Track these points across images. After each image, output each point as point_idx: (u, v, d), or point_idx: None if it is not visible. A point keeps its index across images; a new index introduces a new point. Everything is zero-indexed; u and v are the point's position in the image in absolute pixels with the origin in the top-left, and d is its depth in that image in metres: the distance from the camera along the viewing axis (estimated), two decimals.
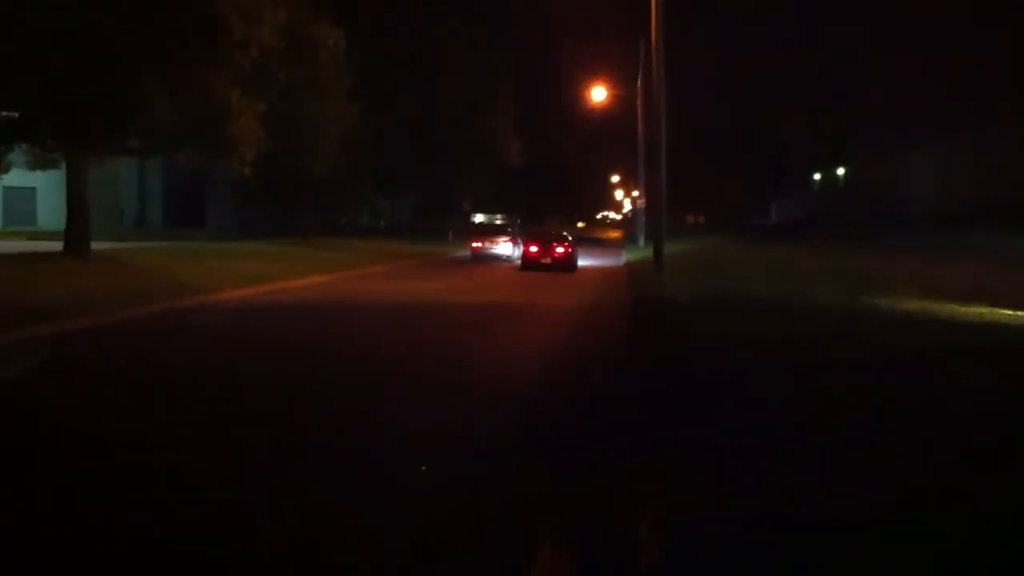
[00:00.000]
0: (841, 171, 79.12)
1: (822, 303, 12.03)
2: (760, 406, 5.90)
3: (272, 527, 3.86)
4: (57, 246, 19.79)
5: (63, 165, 20.31)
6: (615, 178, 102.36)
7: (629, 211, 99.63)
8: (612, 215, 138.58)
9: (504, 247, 32.69)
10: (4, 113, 19.58)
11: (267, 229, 33.75)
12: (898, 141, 60.03)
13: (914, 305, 11.35)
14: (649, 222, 36.71)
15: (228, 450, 5.15)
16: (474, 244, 33.15)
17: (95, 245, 20.13)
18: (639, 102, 42.53)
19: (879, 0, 62.21)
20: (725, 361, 7.72)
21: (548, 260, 25.41)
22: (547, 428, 5.94)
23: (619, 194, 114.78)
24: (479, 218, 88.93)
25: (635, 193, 71.53)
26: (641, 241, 41.26)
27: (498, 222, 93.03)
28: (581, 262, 26.89)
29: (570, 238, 27.51)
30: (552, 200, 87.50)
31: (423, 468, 4.76)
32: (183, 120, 19.39)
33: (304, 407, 6.42)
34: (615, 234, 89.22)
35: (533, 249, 25.99)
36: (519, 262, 27.13)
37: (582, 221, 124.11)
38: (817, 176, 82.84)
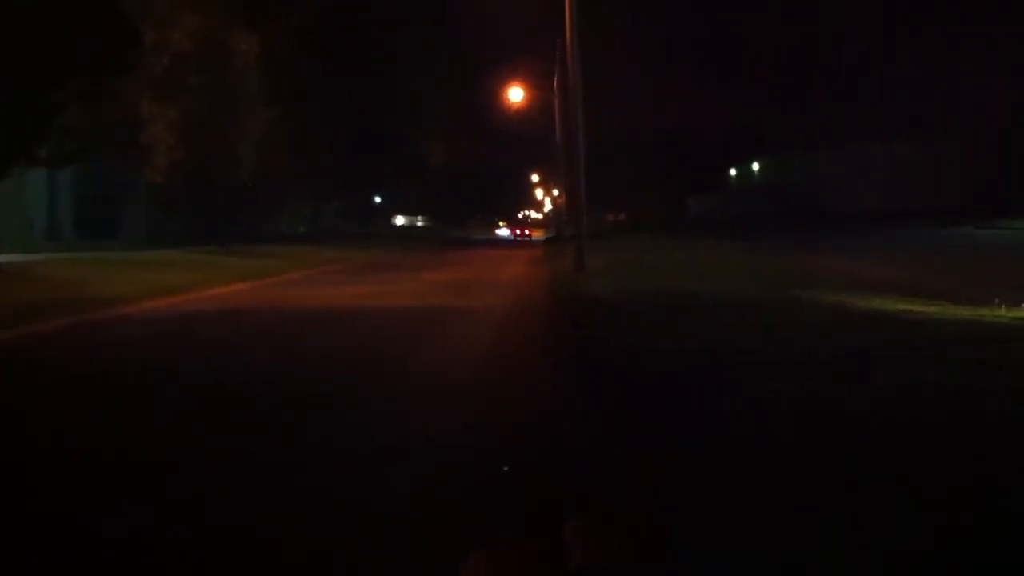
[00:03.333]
0: (756, 167, 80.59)
1: (748, 298, 12.18)
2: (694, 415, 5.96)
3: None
4: None
5: None
6: (535, 177, 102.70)
7: (550, 210, 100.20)
8: (534, 214, 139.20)
9: (503, 231, 79.65)
10: None
11: (184, 238, 33.12)
12: (816, 142, 61.60)
13: (832, 299, 11.58)
14: (570, 221, 36.97)
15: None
16: (498, 231, 78.33)
17: (1, 257, 19.54)
18: (556, 102, 42.76)
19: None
20: (645, 360, 7.75)
21: (522, 235, 51.59)
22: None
23: (540, 193, 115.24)
24: (400, 220, 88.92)
25: (555, 192, 71.94)
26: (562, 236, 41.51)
27: (419, 223, 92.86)
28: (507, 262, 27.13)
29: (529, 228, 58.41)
30: (473, 201, 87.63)
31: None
32: (93, 128, 18.95)
33: (210, 425, 6.26)
34: (537, 233, 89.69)
35: (517, 232, 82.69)
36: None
37: (503, 220, 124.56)
38: (733, 172, 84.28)
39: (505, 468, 4.80)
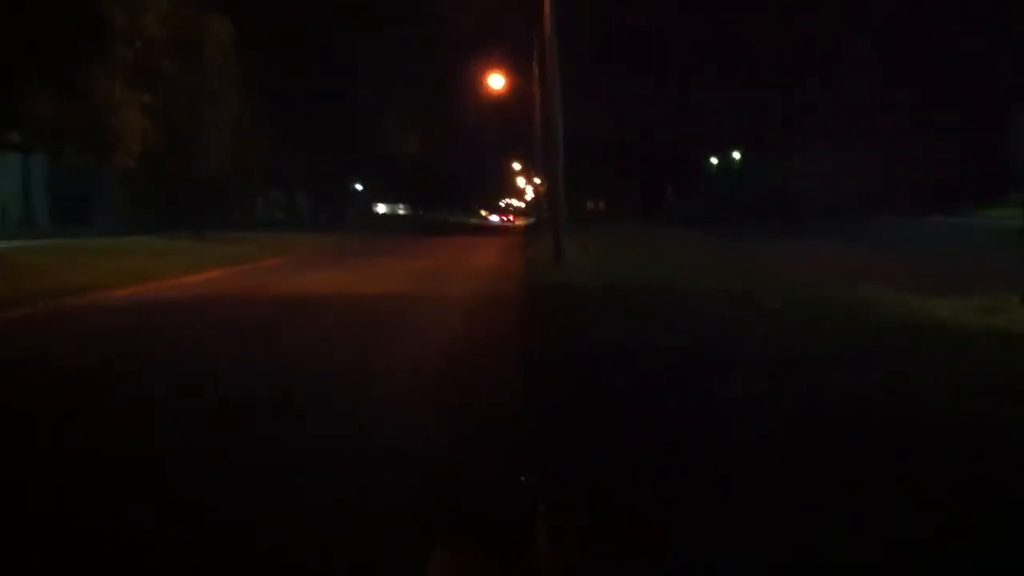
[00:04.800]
0: (737, 155, 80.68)
1: (725, 291, 12.18)
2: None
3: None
4: None
5: None
6: (516, 166, 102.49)
7: (531, 199, 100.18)
8: (515, 202, 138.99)
9: (494, 217, 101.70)
10: None
11: (158, 225, 32.85)
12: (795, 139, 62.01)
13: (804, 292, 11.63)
14: (549, 209, 36.89)
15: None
16: (490, 217, 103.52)
17: None
18: (535, 90, 42.61)
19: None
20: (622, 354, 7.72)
21: (507, 221, 59.86)
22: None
23: (521, 181, 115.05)
24: (381, 208, 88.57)
25: (536, 181, 71.88)
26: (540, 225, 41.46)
27: (400, 212, 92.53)
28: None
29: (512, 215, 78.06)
30: (452, 188, 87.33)
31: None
32: (65, 113, 18.73)
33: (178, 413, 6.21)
34: (519, 220, 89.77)
35: (504, 217, 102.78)
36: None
37: (484, 209, 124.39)
38: (714, 160, 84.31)
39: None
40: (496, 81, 44.98)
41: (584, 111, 55.48)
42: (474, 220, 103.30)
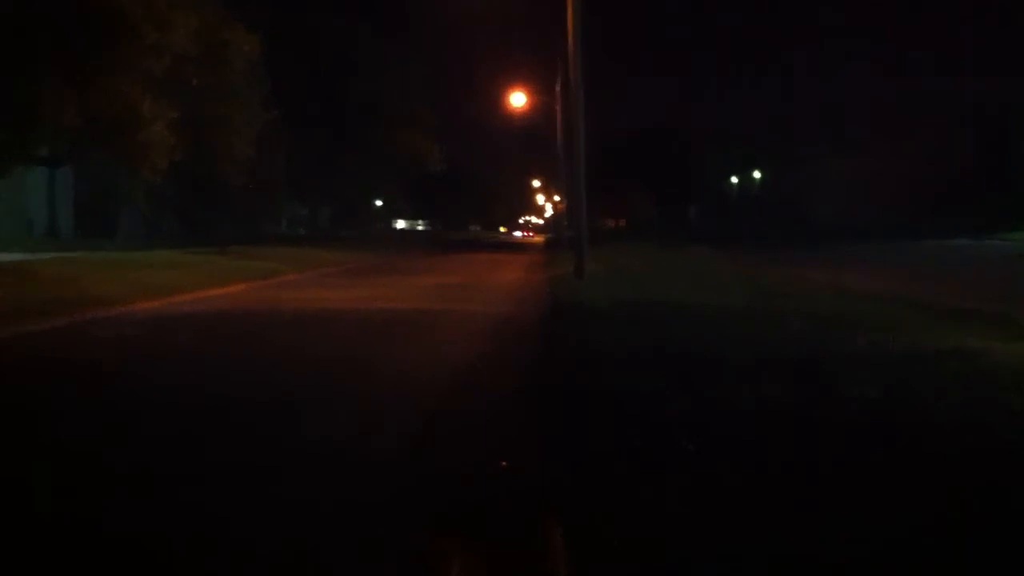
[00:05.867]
0: (757, 175, 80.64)
1: (749, 309, 12.10)
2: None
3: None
4: None
5: None
6: (536, 183, 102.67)
7: (551, 215, 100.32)
8: (534, 219, 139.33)
9: (517, 233, 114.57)
10: None
11: (182, 238, 33.03)
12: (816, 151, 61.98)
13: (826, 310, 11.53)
14: (570, 226, 36.91)
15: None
16: (515, 233, 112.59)
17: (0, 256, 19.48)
18: (558, 108, 42.71)
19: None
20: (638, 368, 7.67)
21: (528, 236, 54.65)
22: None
23: (540, 198, 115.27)
24: (400, 224, 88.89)
25: (556, 198, 72.01)
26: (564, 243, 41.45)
27: (419, 228, 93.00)
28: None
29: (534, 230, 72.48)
30: (472, 205, 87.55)
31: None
32: (92, 126, 18.89)
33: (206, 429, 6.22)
34: (538, 237, 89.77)
35: (526, 232, 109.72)
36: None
37: (504, 226, 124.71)
38: (735, 179, 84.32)
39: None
40: (518, 99, 45.16)
41: (606, 128, 55.63)
42: (494, 237, 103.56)
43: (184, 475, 4.85)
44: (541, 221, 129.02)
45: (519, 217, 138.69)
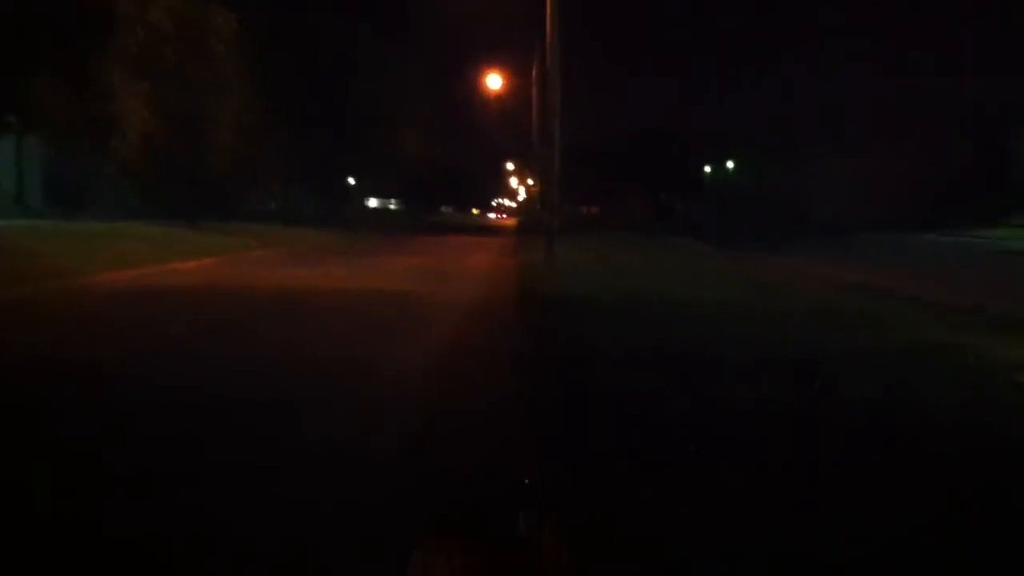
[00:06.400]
0: (730, 164, 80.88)
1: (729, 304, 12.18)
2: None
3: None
4: None
5: None
6: (510, 166, 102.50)
7: (524, 199, 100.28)
8: (507, 202, 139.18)
9: (492, 216, 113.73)
10: None
11: (154, 212, 32.68)
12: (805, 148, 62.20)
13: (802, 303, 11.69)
14: (543, 211, 36.93)
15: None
16: (489, 215, 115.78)
17: None
18: (534, 92, 42.63)
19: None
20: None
21: (502, 218, 62.03)
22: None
23: (515, 182, 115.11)
24: (373, 203, 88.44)
25: (530, 182, 71.94)
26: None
27: (392, 207, 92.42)
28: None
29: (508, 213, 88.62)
30: (446, 186, 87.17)
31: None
32: (64, 98, 18.71)
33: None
34: (511, 221, 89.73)
35: (500, 215, 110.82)
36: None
37: (477, 208, 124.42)
38: (708, 169, 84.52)
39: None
40: (494, 81, 45.06)
41: (583, 113, 55.63)
42: (467, 218, 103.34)
43: (131, 445, 4.90)
44: (514, 204, 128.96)
45: (492, 200, 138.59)
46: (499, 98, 48.27)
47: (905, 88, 56.46)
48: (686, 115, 71.17)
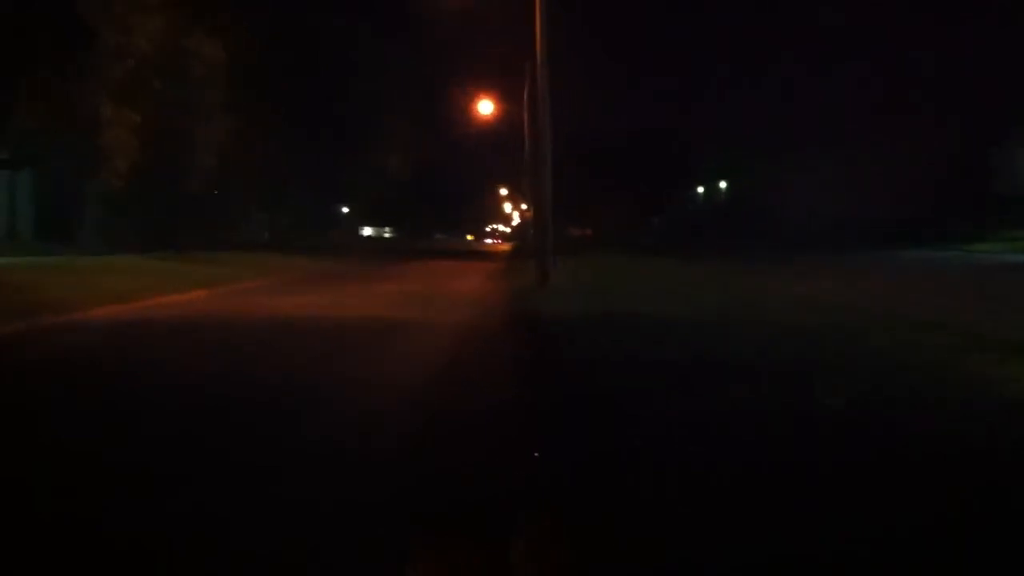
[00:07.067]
0: (723, 184, 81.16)
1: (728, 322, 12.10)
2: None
3: None
4: None
5: None
6: (503, 191, 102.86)
7: (518, 223, 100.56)
8: (501, 227, 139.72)
9: (489, 239, 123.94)
10: None
11: (143, 243, 32.61)
12: (782, 157, 62.30)
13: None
14: (536, 234, 36.94)
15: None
16: (486, 240, 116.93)
17: None
18: (525, 116, 42.71)
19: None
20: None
21: (497, 243, 65.59)
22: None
23: (508, 207, 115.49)
24: (367, 231, 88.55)
25: (523, 206, 72.11)
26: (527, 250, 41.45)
27: (386, 235, 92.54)
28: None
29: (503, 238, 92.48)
30: (440, 212, 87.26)
31: None
32: (52, 129, 18.64)
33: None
34: (504, 246, 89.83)
35: (497, 240, 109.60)
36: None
37: (471, 234, 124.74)
38: (701, 189, 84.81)
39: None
40: (486, 107, 45.14)
41: (579, 115, 55.78)
42: (461, 244, 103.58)
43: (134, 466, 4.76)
44: (508, 229, 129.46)
45: (486, 225, 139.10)
46: (491, 122, 48.32)
47: (905, 89, 56.40)
48: (683, 115, 71.32)
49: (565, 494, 4.61)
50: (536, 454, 5.16)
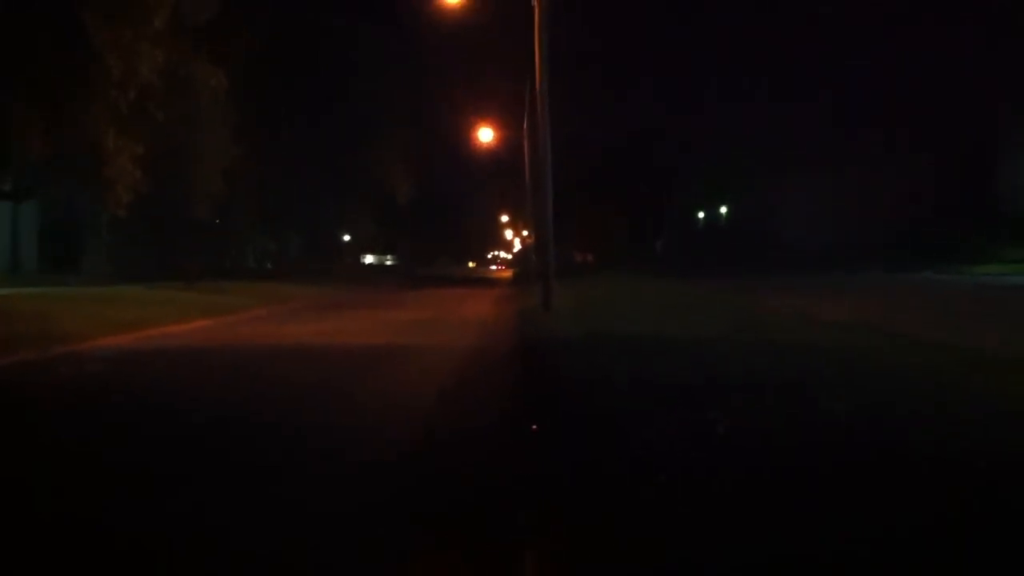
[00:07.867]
0: (724, 210, 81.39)
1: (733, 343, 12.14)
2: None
3: None
4: None
5: None
6: (504, 218, 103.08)
7: (519, 250, 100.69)
8: (503, 254, 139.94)
9: (493, 266, 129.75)
10: None
11: (148, 272, 32.78)
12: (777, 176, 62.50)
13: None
14: (538, 261, 37.05)
15: None
16: (491, 267, 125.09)
17: None
18: (526, 144, 43.00)
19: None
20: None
21: (501, 269, 67.28)
22: None
23: (509, 233, 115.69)
24: (369, 259, 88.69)
25: (524, 233, 72.29)
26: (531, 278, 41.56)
27: (388, 263, 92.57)
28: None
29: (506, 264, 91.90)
30: (442, 240, 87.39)
31: None
32: (57, 161, 18.82)
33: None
34: (507, 273, 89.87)
35: (500, 267, 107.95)
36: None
37: (473, 261, 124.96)
38: (701, 215, 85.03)
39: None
40: (486, 134, 45.48)
41: (576, 163, 56.03)
42: (463, 271, 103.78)
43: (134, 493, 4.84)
44: (509, 256, 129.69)
45: (488, 253, 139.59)
46: (493, 149, 48.66)
47: (904, 92, 56.51)
48: (683, 119, 71.49)
49: (565, 494, 4.67)
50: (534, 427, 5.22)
